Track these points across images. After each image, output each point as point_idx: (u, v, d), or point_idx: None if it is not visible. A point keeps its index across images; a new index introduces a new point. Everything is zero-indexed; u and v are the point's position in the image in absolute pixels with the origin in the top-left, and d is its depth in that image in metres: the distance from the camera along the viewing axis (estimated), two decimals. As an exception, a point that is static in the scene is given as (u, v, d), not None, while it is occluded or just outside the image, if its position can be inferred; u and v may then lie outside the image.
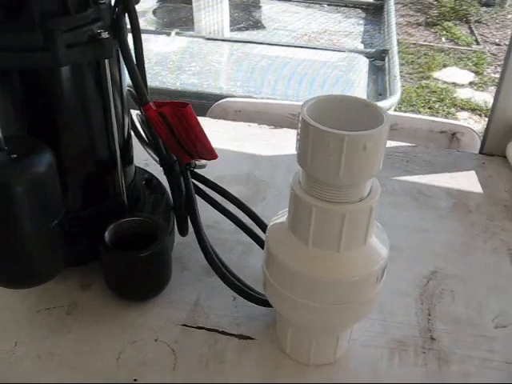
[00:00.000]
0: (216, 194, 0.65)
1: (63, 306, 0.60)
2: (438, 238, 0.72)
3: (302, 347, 0.55)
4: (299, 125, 0.44)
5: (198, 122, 0.55)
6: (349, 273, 0.47)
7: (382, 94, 1.18)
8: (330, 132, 0.41)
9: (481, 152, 0.91)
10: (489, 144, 0.89)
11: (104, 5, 0.51)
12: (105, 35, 0.50)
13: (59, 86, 0.51)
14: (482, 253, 0.70)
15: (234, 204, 0.66)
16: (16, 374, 0.53)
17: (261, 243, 0.65)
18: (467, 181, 0.83)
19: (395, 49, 1.41)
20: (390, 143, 0.91)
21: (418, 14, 5.31)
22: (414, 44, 4.52)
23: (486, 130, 0.90)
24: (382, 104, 0.99)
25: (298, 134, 0.44)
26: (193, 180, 0.63)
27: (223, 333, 0.57)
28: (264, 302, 0.58)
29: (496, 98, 0.86)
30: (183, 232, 0.63)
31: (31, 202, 0.47)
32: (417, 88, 3.75)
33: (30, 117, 0.53)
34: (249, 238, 0.65)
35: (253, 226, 0.65)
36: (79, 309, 0.60)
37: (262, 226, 0.65)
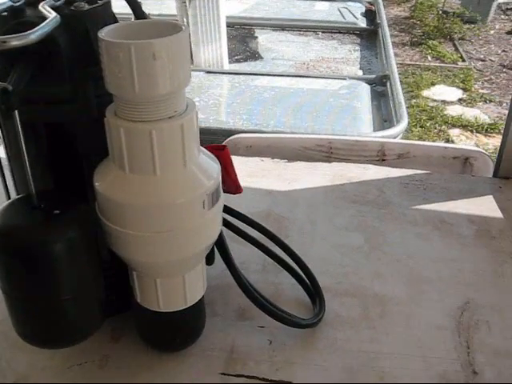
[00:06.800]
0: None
1: (94, 361, 0.58)
2: (466, 267, 0.71)
3: (150, 291, 0.52)
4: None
5: (232, 162, 0.56)
6: (168, 197, 0.45)
7: (387, 120, 1.18)
8: (117, 42, 0.41)
9: (495, 175, 0.91)
10: (503, 167, 0.89)
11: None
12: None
13: (89, 136, 0.50)
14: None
15: (261, 233, 0.65)
16: None
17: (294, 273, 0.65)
18: (486, 206, 0.83)
19: (396, 74, 1.41)
20: (405, 171, 0.90)
21: (403, 33, 5.38)
22: (401, 64, 4.57)
23: (500, 153, 0.89)
24: (390, 132, 0.99)
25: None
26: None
27: (264, 379, 0.56)
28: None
29: (509, 119, 0.86)
30: (209, 261, 0.62)
31: (73, 262, 0.46)
32: (407, 107, 3.79)
33: (57, 170, 0.52)
34: (278, 279, 0.65)
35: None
36: (111, 362, 0.58)
37: (293, 257, 0.65)
